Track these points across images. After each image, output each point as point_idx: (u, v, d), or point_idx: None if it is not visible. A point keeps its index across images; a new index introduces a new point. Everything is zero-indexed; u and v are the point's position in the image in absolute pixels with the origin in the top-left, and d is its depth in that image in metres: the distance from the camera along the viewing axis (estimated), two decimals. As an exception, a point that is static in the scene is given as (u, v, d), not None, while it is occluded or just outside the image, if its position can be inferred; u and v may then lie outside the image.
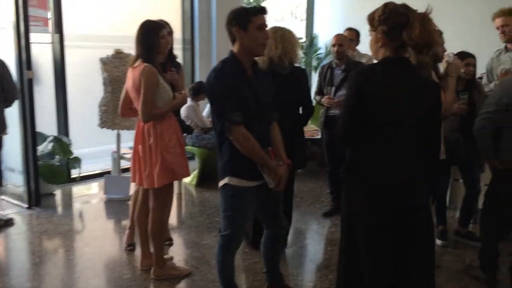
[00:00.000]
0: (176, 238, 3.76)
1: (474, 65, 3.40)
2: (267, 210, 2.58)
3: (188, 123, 4.92)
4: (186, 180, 5.07)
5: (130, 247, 3.51)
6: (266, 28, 2.31)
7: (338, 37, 4.04)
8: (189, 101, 5.19)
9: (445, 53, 3.17)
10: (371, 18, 1.97)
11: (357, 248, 2.10)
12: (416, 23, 1.85)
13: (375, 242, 2.05)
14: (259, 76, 2.42)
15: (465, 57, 3.36)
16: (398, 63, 1.97)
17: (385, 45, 1.96)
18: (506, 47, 3.48)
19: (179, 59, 3.66)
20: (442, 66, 3.18)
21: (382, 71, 1.95)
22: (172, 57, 3.36)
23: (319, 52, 7.11)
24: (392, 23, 1.91)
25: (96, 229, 3.95)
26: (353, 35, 4.58)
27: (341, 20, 6.47)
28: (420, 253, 2.07)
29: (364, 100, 1.93)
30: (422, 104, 1.97)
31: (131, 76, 2.89)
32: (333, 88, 4.02)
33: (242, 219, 2.45)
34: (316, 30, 7.26)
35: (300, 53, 6.69)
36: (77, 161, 4.70)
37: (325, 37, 6.89)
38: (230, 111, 2.22)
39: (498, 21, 3.48)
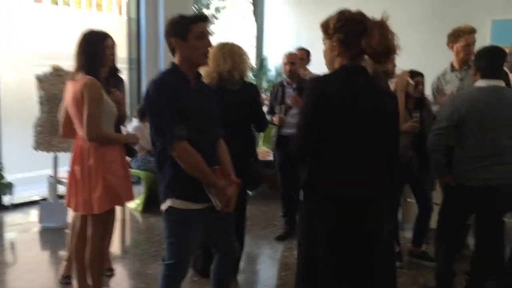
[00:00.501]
0: (119, 268, 3.46)
1: (423, 84, 3.42)
2: (216, 234, 2.38)
3: (134, 145, 4.65)
4: (131, 205, 4.77)
5: (66, 280, 3.17)
6: (209, 37, 2.15)
7: (290, 55, 3.99)
8: (135, 122, 4.95)
9: (396, 68, 3.17)
10: (326, 26, 1.88)
11: (316, 270, 1.94)
12: (375, 30, 1.78)
13: (337, 261, 1.91)
14: (203, 89, 2.25)
15: (414, 75, 3.37)
16: (356, 72, 1.88)
17: (341, 54, 1.87)
18: (452, 66, 3.52)
19: (125, 79, 3.44)
20: (392, 84, 3.17)
21: (340, 79, 1.85)
22: (114, 70, 3.14)
23: (269, 74, 7.10)
24: (349, 31, 1.83)
25: (29, 260, 3.58)
26: (304, 54, 4.56)
27: (290, 42, 6.48)
28: (382, 273, 1.96)
29: (322, 110, 1.81)
30: (382, 115, 1.88)
31: (71, 90, 2.63)
32: (285, 107, 3.93)
33: (189, 246, 2.21)
34: (266, 52, 7.27)
35: (250, 75, 6.64)
36: (9, 187, 4.31)
37: (274, 59, 6.89)
38: (173, 125, 2.02)
39: (471, 37, 3.46)
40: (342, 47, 1.85)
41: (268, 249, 4.04)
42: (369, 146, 1.88)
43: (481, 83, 2.73)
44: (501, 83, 2.73)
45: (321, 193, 1.90)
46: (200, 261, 3.19)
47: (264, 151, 5.55)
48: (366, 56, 1.90)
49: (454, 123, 2.72)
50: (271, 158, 4.97)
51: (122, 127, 3.38)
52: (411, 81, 3.19)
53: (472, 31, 3.45)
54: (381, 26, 1.79)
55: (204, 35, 2.11)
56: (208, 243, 2.48)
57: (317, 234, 1.93)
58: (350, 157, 1.86)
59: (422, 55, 4.67)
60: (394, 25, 1.81)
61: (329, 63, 1.94)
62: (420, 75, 3.42)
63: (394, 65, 3.10)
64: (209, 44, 2.14)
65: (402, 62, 3.38)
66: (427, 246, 3.69)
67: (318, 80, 1.91)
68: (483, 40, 4.37)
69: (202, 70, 2.76)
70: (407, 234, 3.97)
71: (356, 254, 1.93)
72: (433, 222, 3.48)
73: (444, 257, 2.99)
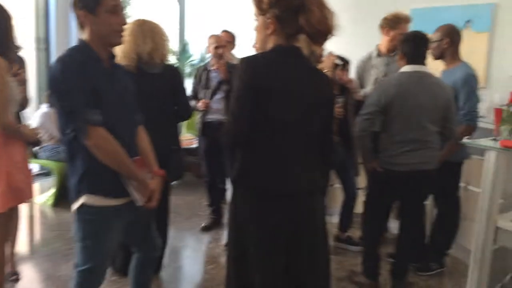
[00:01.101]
0: (26, 270, 3.09)
1: (348, 70, 3.41)
2: (136, 232, 2.14)
3: (43, 133, 4.21)
4: (41, 199, 4.34)
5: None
6: (123, 12, 1.88)
7: (217, 38, 3.79)
8: (44, 108, 4.48)
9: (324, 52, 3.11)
10: (259, 0, 1.70)
11: (248, 265, 1.81)
12: (314, 7, 1.63)
13: (269, 256, 1.79)
14: (118, 71, 1.97)
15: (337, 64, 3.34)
16: (292, 53, 1.73)
17: (276, 32, 1.71)
18: (378, 50, 3.52)
19: (32, 60, 3.04)
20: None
21: (275, 61, 1.69)
22: (14, 48, 2.73)
23: (191, 59, 6.82)
24: (286, 6, 1.66)
25: None
26: (229, 37, 4.37)
27: (212, 26, 6.26)
28: (317, 263, 1.87)
29: (255, 93, 1.65)
30: (319, 99, 1.75)
31: None
32: (210, 91, 3.73)
33: (106, 249, 1.94)
34: (187, 36, 6.98)
35: (172, 59, 6.34)
36: None
37: (196, 44, 6.63)
38: (85, 108, 1.73)
39: (407, 27, 3.44)
40: (278, 24, 1.69)
41: (193, 242, 3.85)
42: (306, 134, 1.75)
43: (406, 68, 2.74)
44: (426, 69, 2.75)
45: (253, 186, 1.75)
46: (119, 258, 2.93)
47: (188, 138, 5.32)
48: (301, 37, 1.77)
49: (381, 108, 2.71)
50: (195, 145, 4.77)
51: (23, 113, 2.99)
52: (339, 61, 3.14)
53: (409, 21, 3.46)
54: (320, 3, 1.65)
55: (117, 10, 1.83)
56: (127, 242, 2.23)
57: (248, 229, 1.79)
58: (284, 146, 1.72)
59: (345, 43, 4.67)
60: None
61: (262, 42, 1.77)
62: (345, 61, 3.41)
63: (322, 49, 3.02)
64: (123, 20, 1.86)
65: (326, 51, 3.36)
66: (353, 231, 3.72)
67: (251, 60, 1.73)
68: (403, 28, 4.53)
69: (118, 50, 2.50)
70: (333, 219, 3.98)
71: (289, 248, 1.82)
72: (358, 207, 3.52)
73: (370, 242, 3.01)
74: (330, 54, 3.08)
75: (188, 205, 4.65)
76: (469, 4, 4.33)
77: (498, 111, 2.36)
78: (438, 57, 3.11)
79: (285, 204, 1.75)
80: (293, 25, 1.68)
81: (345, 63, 3.37)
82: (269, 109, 1.68)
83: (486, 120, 3.30)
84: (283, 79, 1.70)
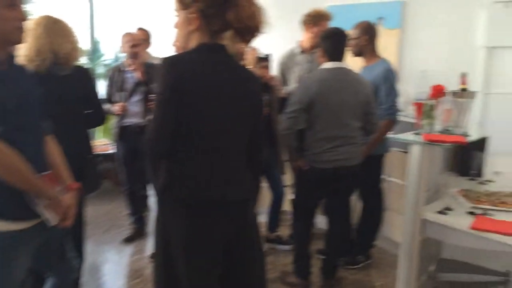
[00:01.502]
0: None
1: (269, 66, 3.34)
2: (49, 255, 1.87)
3: None
4: None
5: None
6: (22, 7, 1.63)
7: (132, 36, 3.53)
8: None
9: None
10: None
11: (177, 280, 1.65)
12: (243, 1, 1.50)
13: (202, 269, 1.65)
14: (19, 74, 1.71)
15: (261, 60, 3.27)
16: (218, 51, 1.59)
17: (200, 29, 1.56)
18: (301, 47, 3.49)
19: None
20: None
21: (200, 60, 1.55)
22: None
23: (103, 58, 6.42)
24: (212, 0, 1.52)
25: None
26: (145, 35, 4.12)
27: (125, 23, 5.93)
28: (254, 273, 1.76)
29: (180, 97, 1.50)
30: (248, 100, 1.64)
31: None
32: (126, 94, 3.48)
33: (13, 279, 1.68)
34: (97, 35, 6.55)
35: (83, 59, 5.90)
36: None
37: (107, 43, 6.25)
38: None
39: (328, 24, 3.41)
40: (202, 20, 1.55)
41: (115, 255, 3.58)
42: (236, 138, 1.63)
43: (328, 65, 2.73)
44: (346, 65, 2.77)
45: (181, 197, 1.59)
46: (28, 284, 2.60)
47: (104, 144, 4.97)
48: (226, 34, 1.64)
49: (305, 106, 2.68)
50: (111, 150, 4.45)
51: None
52: (261, 56, 3.06)
53: (330, 18, 3.46)
54: None
55: (15, 3, 1.58)
56: (38, 268, 1.96)
57: (178, 242, 1.63)
58: (214, 153, 1.59)
59: (263, 41, 4.63)
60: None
61: (184, 40, 1.61)
62: (267, 58, 3.34)
63: (243, 46, 2.92)
64: (22, 15, 1.61)
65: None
66: (281, 229, 3.68)
67: (175, 60, 1.56)
68: (320, 25, 4.57)
69: (26, 49, 2.24)
70: (261, 218, 3.91)
71: (224, 259, 1.70)
72: (286, 205, 3.49)
73: (300, 241, 2.97)
74: (253, 49, 2.99)
75: (106, 216, 4.34)
76: (380, 2, 4.48)
77: (419, 105, 2.42)
78: (357, 54, 3.14)
79: (217, 215, 1.62)
80: (220, 21, 1.55)
81: (266, 58, 3.30)
82: (195, 114, 1.54)
83: (403, 114, 3.41)
84: (210, 80, 1.56)
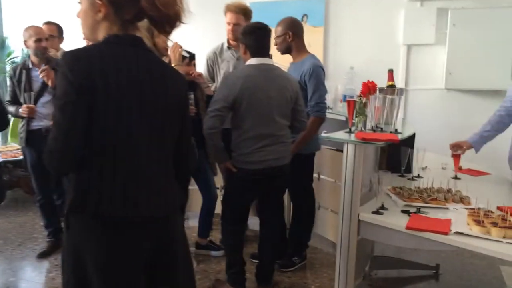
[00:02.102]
0: None
1: (194, 64, 3.10)
2: None
3: None
4: None
5: None
6: None
7: (37, 29, 3.11)
8: None
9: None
10: None
11: None
12: None
13: None
14: None
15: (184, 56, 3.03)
16: (132, 44, 1.33)
17: (109, 18, 1.29)
18: (228, 43, 3.27)
19: None
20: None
21: (112, 55, 1.28)
22: None
23: (13, 56, 5.77)
24: None
25: None
26: (53, 30, 3.69)
27: (36, 18, 5.36)
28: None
29: (90, 99, 1.22)
30: (171, 99, 1.39)
31: None
32: (33, 94, 3.06)
33: None
34: (5, 32, 5.88)
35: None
36: None
37: (17, 39, 5.62)
38: None
39: (231, 17, 3.23)
40: (111, 7, 1.28)
41: (30, 272, 3.16)
42: (158, 144, 1.38)
43: (252, 61, 2.57)
44: (271, 61, 2.62)
45: (94, 214, 1.31)
46: None
47: (14, 149, 4.45)
48: (142, 24, 1.39)
49: (229, 103, 2.49)
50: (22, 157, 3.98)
51: None
52: (185, 53, 2.80)
53: (234, 10, 3.22)
54: None
55: None
56: None
57: (92, 264, 1.35)
58: (131, 162, 1.32)
59: (190, 37, 4.38)
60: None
61: (90, 31, 1.33)
62: (192, 54, 3.10)
63: (166, 40, 2.65)
64: None
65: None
66: (213, 233, 3.46)
67: (79, 54, 1.27)
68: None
69: None
70: (192, 223, 3.66)
71: (146, 280, 1.44)
72: (218, 208, 3.27)
73: (232, 246, 2.78)
74: (176, 45, 2.73)
75: (19, 229, 3.86)
76: (304, -1, 4.39)
77: (351, 103, 2.31)
78: (284, 51, 2.99)
79: (135, 233, 1.36)
80: (132, 8, 1.29)
81: (192, 56, 3.05)
82: (107, 119, 1.27)
83: (332, 111, 3.33)
84: (123, 78, 1.29)
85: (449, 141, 2.75)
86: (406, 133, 2.36)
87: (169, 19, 1.31)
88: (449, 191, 2.35)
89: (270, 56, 2.64)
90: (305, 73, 2.86)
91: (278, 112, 2.55)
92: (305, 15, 4.42)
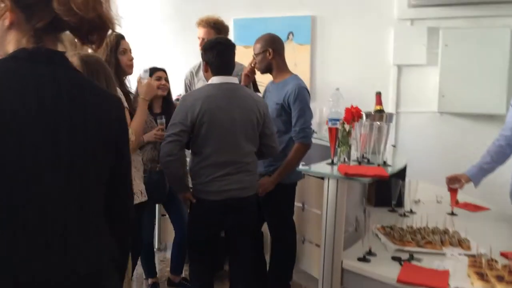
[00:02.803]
0: None
1: (167, 79, 2.79)
2: None
3: None
4: None
5: None
6: None
7: None
8: None
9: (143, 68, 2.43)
10: None
11: None
12: None
13: None
14: None
15: (154, 71, 2.71)
16: (47, 62, 1.01)
17: (18, 26, 0.97)
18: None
19: None
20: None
21: (17, 74, 0.96)
22: None
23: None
24: None
25: None
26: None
27: None
28: None
29: None
30: (98, 133, 1.05)
31: None
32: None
33: None
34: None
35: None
36: None
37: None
38: None
39: (200, 32, 3.01)
40: (19, 12, 0.96)
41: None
42: (71, 188, 1.03)
43: (214, 80, 2.27)
44: (234, 80, 2.32)
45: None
46: None
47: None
48: (65, 36, 1.07)
49: (188, 127, 2.18)
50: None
51: None
52: (143, 74, 2.43)
53: (203, 25, 3.00)
54: None
55: None
56: None
57: None
58: (34, 215, 0.98)
59: (166, 54, 4.10)
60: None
61: None
62: (163, 70, 2.79)
63: (131, 58, 2.32)
64: None
65: (147, 62, 2.73)
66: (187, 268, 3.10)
67: None
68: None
69: None
70: (168, 254, 3.31)
71: None
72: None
73: (198, 282, 2.42)
74: (150, 79, 2.38)
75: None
76: (289, 16, 4.11)
77: (333, 130, 1.99)
78: (264, 70, 2.68)
79: None
80: (43, 13, 0.97)
81: (152, 69, 2.73)
82: (7, 154, 0.93)
83: (317, 136, 3.01)
84: (30, 105, 0.97)
85: (442, 168, 2.45)
86: (397, 166, 2.04)
87: (91, 25, 0.98)
88: (445, 232, 2.03)
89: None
90: (289, 94, 2.54)
91: (243, 136, 2.24)
92: (290, 32, 4.14)
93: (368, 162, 1.98)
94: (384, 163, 2.00)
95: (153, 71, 2.73)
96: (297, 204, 2.86)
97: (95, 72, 1.71)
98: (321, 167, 1.94)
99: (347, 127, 1.96)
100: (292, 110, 2.53)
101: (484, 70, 3.64)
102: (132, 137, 1.74)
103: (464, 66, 3.69)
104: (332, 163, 1.96)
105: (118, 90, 2.10)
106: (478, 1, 3.66)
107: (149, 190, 2.38)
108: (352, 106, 1.99)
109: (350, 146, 1.97)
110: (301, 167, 2.11)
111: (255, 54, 2.63)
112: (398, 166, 2.07)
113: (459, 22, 3.74)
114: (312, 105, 2.68)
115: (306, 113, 2.54)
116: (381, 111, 2.32)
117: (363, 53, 3.93)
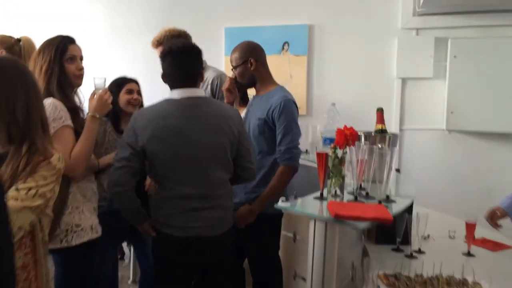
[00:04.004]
0: None
1: (139, 92, 2.36)
2: None
3: None
4: None
5: None
6: None
7: None
8: None
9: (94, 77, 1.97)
10: None
11: None
12: None
13: None
14: None
15: (125, 82, 2.31)
16: None
17: None
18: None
19: None
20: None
21: None
22: None
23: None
24: None
25: None
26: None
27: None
28: None
29: None
30: None
31: None
32: None
33: None
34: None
35: None
36: None
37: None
38: None
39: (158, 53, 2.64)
40: None
41: None
42: None
43: (173, 94, 1.82)
44: (199, 92, 1.86)
45: None
46: None
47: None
48: None
49: (139, 151, 1.74)
50: None
51: None
52: (98, 81, 1.95)
53: (153, 45, 2.70)
54: None
55: None
56: None
57: None
58: None
59: (150, 66, 3.70)
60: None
61: None
62: (134, 81, 2.36)
63: (80, 67, 1.87)
64: None
65: (128, 73, 2.39)
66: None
67: None
68: (218, 48, 3.74)
69: None
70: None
71: None
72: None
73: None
74: (105, 91, 1.91)
75: None
76: (285, 25, 3.70)
77: (321, 156, 1.54)
78: (248, 84, 2.25)
79: None
80: None
81: (131, 83, 2.33)
82: None
83: (309, 158, 2.57)
84: None
85: (452, 192, 2.01)
86: (402, 204, 1.58)
87: None
88: (464, 283, 1.57)
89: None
90: (274, 108, 2.10)
91: (213, 163, 1.80)
92: (286, 42, 3.73)
93: (367, 196, 1.53)
94: (387, 198, 1.54)
95: (123, 82, 2.32)
96: (287, 234, 2.39)
97: (9, 80, 1.27)
98: (307, 204, 1.49)
99: (339, 152, 1.51)
100: (276, 126, 2.09)
101: (496, 84, 3.21)
102: (59, 164, 1.30)
103: (475, 80, 3.26)
104: (321, 197, 1.51)
105: (60, 104, 1.67)
106: (489, 9, 3.23)
107: (108, 222, 1.93)
108: (345, 127, 1.53)
109: (343, 178, 1.52)
110: (280, 203, 1.64)
111: (233, 66, 2.21)
112: (405, 202, 1.61)
113: (469, 32, 3.31)
114: (307, 121, 2.24)
115: (293, 130, 2.09)
116: (383, 131, 1.88)
117: (364, 65, 3.51)
